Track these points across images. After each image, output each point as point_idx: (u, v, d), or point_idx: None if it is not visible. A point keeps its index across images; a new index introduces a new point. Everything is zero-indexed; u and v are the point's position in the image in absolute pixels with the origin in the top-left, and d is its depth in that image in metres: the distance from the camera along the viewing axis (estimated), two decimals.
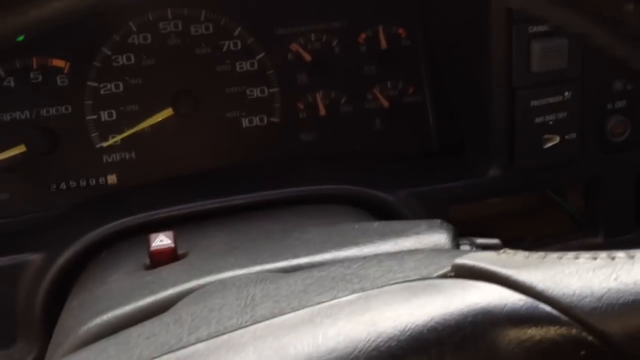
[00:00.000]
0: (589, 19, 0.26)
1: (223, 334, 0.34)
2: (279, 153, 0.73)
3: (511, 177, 0.66)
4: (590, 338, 0.30)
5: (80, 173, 0.69)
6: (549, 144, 0.65)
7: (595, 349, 0.30)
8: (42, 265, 0.57)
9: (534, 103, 0.63)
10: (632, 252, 0.33)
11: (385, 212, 0.63)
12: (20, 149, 0.66)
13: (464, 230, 0.54)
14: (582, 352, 0.30)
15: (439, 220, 0.50)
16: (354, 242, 0.47)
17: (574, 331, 0.30)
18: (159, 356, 0.33)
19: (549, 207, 0.75)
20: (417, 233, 0.48)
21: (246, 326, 0.34)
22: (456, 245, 0.49)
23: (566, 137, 0.65)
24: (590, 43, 0.29)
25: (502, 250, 0.36)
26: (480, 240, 0.51)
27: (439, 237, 0.47)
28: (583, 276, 0.31)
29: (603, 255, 0.33)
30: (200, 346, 0.33)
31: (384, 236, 0.47)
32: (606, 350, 0.30)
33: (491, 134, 0.66)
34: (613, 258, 0.32)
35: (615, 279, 0.31)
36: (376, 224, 0.52)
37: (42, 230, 0.63)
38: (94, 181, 0.69)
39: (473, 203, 0.69)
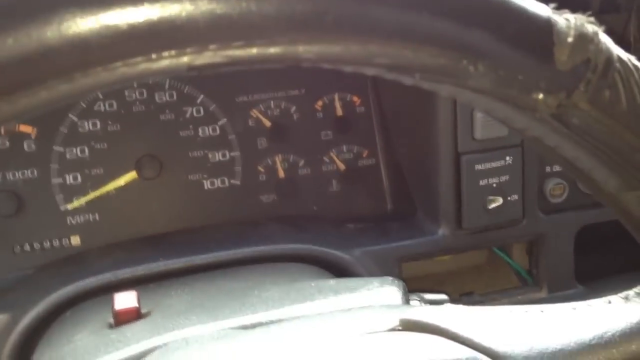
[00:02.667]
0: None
1: None
2: (240, 214, 0.75)
3: (459, 236, 0.70)
4: None
5: (45, 235, 0.70)
6: (493, 205, 0.69)
7: None
8: (7, 326, 0.58)
9: (478, 167, 0.68)
10: (559, 306, 0.37)
11: (341, 270, 0.66)
12: None
13: (416, 287, 0.57)
14: None
15: (390, 278, 0.53)
16: (310, 299, 0.50)
17: None
18: None
19: (496, 264, 0.79)
20: (370, 290, 0.51)
21: None
22: (406, 301, 0.52)
23: (509, 198, 0.69)
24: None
25: (444, 306, 0.39)
26: (428, 296, 0.54)
27: (390, 294, 0.51)
28: (516, 328, 0.35)
29: (534, 309, 0.37)
30: None
31: (338, 293, 0.50)
32: None
33: (439, 197, 0.70)
34: (542, 311, 0.36)
35: (544, 330, 0.34)
36: (331, 282, 0.54)
37: (6, 292, 0.64)
38: (57, 242, 0.71)
39: (424, 260, 0.72)
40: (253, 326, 0.46)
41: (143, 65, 0.23)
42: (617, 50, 0.26)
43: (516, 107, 0.26)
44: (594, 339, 0.33)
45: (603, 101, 0.26)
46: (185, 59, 0.23)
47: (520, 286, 0.77)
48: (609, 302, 0.34)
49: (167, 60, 0.23)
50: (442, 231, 0.70)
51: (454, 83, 0.26)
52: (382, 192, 0.79)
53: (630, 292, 0.34)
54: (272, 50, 0.24)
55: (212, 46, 0.23)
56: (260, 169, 0.76)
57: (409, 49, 0.25)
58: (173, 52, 0.23)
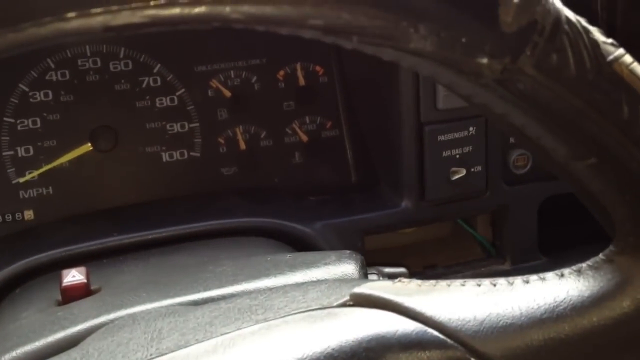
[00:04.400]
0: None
1: None
2: (200, 187, 0.74)
3: (422, 208, 0.69)
4: (472, 359, 0.33)
5: None
6: (456, 177, 0.68)
7: None
8: None
9: (441, 138, 0.67)
10: (512, 279, 0.36)
11: (302, 243, 0.65)
12: None
13: (379, 259, 0.56)
14: None
15: (348, 252, 0.52)
16: (265, 274, 0.48)
17: (458, 354, 0.33)
18: None
19: (460, 236, 0.78)
20: (327, 264, 0.50)
21: (151, 359, 0.35)
22: (364, 274, 0.51)
23: (472, 169, 0.68)
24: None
25: (397, 280, 0.38)
26: (387, 270, 0.53)
27: (347, 268, 0.49)
28: (467, 302, 0.34)
29: (486, 282, 0.36)
30: None
31: (294, 267, 0.49)
32: None
33: (402, 168, 0.69)
34: (494, 285, 0.35)
35: (495, 304, 0.34)
36: (288, 256, 0.53)
37: None
38: (10, 217, 0.68)
39: (387, 233, 0.71)
40: (204, 301, 0.45)
41: (53, 26, 0.22)
42: (566, 12, 0.25)
43: (460, 73, 0.25)
44: (545, 313, 0.32)
45: (550, 66, 0.24)
46: (99, 19, 0.22)
47: (484, 258, 0.76)
48: (562, 275, 0.33)
49: (79, 20, 0.21)
50: (405, 203, 0.69)
51: (394, 46, 0.24)
52: (346, 164, 0.77)
53: (583, 265, 0.33)
54: (197, 10, 0.22)
55: (129, 5, 0.22)
56: (221, 140, 0.74)
57: (345, 9, 0.23)
58: (85, 12, 0.21)
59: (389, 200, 0.70)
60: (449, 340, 0.33)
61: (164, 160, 0.73)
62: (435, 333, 0.33)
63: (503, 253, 0.75)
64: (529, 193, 0.73)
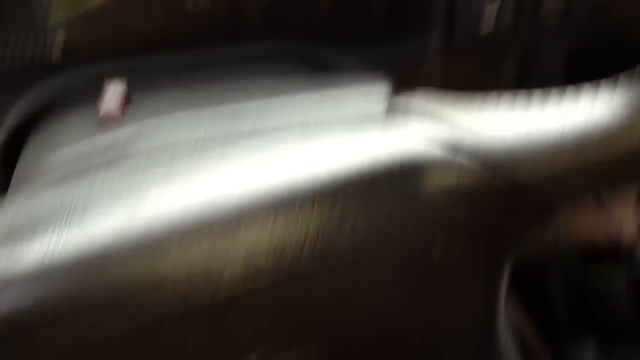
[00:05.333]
0: None
1: (177, 166, 0.37)
2: (229, 14, 0.73)
3: (452, 44, 0.70)
4: (501, 179, 0.35)
5: (27, 51, 0.68)
6: (488, 15, 0.68)
7: (505, 188, 0.35)
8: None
9: None
10: (545, 99, 0.37)
11: (332, 72, 0.66)
12: None
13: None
14: (494, 191, 0.35)
15: (380, 75, 0.53)
16: (300, 89, 0.49)
17: (488, 174, 0.35)
18: (118, 187, 0.36)
19: (487, 76, 0.78)
20: (360, 84, 0.51)
21: (198, 159, 0.37)
22: (394, 93, 0.52)
23: (503, 8, 0.68)
24: None
25: (432, 93, 0.40)
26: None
27: (379, 88, 0.51)
28: (500, 123, 0.36)
29: (520, 102, 0.37)
30: (156, 177, 0.36)
31: (329, 85, 0.50)
32: (514, 188, 0.35)
33: (432, 5, 0.68)
34: (528, 105, 0.37)
35: (527, 126, 0.35)
36: (323, 77, 0.54)
37: None
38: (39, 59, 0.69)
39: (413, 69, 0.72)
40: (242, 110, 0.46)
41: None
42: None
43: None
44: (573, 137, 0.34)
45: None
46: None
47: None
48: (595, 98, 0.34)
49: None
50: (435, 39, 0.69)
51: None
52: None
53: (614, 92, 0.34)
54: None
55: None
56: None
57: None
58: None
59: (418, 35, 0.70)
60: (479, 161, 0.35)
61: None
62: (466, 156, 0.35)
63: (530, 94, 0.75)
64: (559, 34, 0.72)
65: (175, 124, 0.44)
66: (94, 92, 0.53)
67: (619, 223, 1.01)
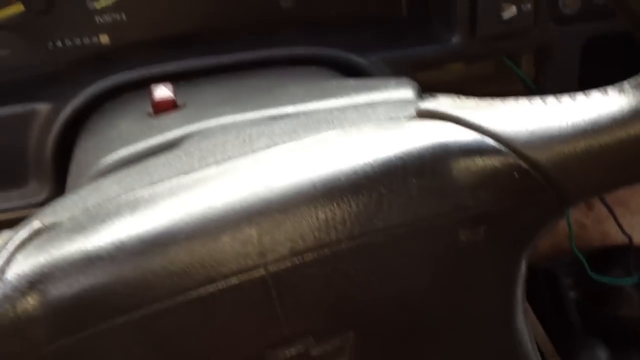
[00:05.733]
0: None
1: (229, 160, 0.41)
2: (260, 18, 0.78)
3: (472, 43, 0.73)
4: (523, 164, 0.38)
5: (75, 32, 0.73)
6: (507, 14, 0.72)
7: (527, 172, 0.38)
8: (51, 114, 0.64)
9: None
10: (561, 97, 0.41)
11: (358, 75, 0.70)
12: (18, 8, 0.70)
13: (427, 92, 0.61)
14: (516, 175, 0.39)
15: (406, 78, 0.57)
16: (333, 95, 0.54)
17: (510, 159, 0.38)
18: (177, 177, 0.40)
19: (503, 75, 0.82)
20: (388, 88, 0.55)
21: (247, 155, 0.42)
22: (420, 98, 0.56)
23: (522, 7, 0.71)
24: None
25: (457, 98, 0.44)
26: (441, 96, 0.58)
27: (406, 91, 0.55)
28: (521, 116, 0.39)
29: (537, 99, 0.41)
30: (211, 170, 0.41)
31: (358, 90, 0.54)
32: (534, 173, 0.38)
33: (455, 4, 0.72)
34: (545, 102, 0.40)
35: (545, 117, 0.39)
36: (351, 82, 0.58)
37: (45, 84, 0.69)
38: (88, 40, 0.74)
39: (436, 68, 0.76)
40: (281, 117, 0.51)
41: None
42: None
43: None
44: (588, 124, 0.37)
45: None
46: None
47: (527, 95, 0.80)
48: (605, 93, 0.38)
49: None
50: (456, 38, 0.73)
51: None
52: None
53: (625, 84, 0.38)
54: None
55: None
56: None
57: None
58: None
59: (440, 35, 0.74)
60: (503, 148, 0.38)
61: None
62: (492, 142, 0.39)
63: (544, 90, 0.79)
64: (574, 32, 0.76)
65: (223, 128, 0.48)
66: (142, 94, 0.58)
67: (630, 229, 1.04)
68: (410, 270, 0.39)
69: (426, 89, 0.71)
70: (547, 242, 1.11)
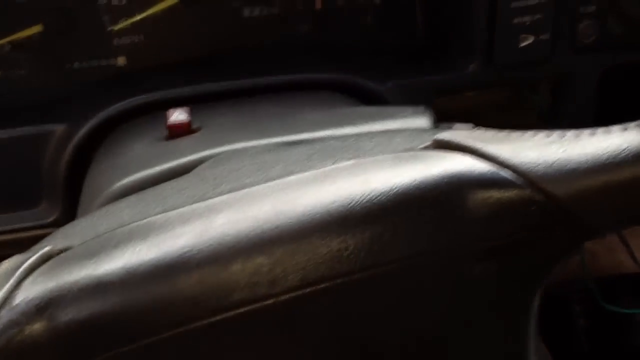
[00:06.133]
0: None
1: (243, 188, 0.41)
2: (276, 42, 0.78)
3: (489, 72, 0.73)
4: (540, 197, 0.38)
5: (93, 54, 0.74)
6: (525, 43, 0.71)
7: (544, 206, 0.38)
8: (65, 135, 0.64)
9: (514, 5, 0.69)
10: (579, 132, 0.40)
11: (374, 101, 0.70)
12: (37, 29, 0.71)
13: (442, 119, 0.61)
14: (532, 209, 0.38)
15: (422, 107, 0.57)
16: (349, 123, 0.54)
17: (527, 192, 0.38)
18: (191, 204, 0.40)
19: (518, 103, 0.82)
20: (404, 116, 0.55)
21: (262, 183, 0.41)
22: (436, 127, 0.56)
23: (540, 37, 0.71)
24: None
25: (475, 128, 0.43)
26: (457, 125, 0.58)
27: (422, 120, 0.55)
28: (538, 149, 0.39)
29: (555, 133, 0.40)
30: (224, 197, 0.40)
31: (375, 117, 0.54)
32: (552, 207, 0.38)
33: (473, 32, 0.72)
34: (563, 136, 0.40)
35: (564, 151, 0.39)
36: (368, 109, 0.58)
37: (61, 105, 0.69)
38: (105, 62, 0.74)
39: (454, 96, 0.76)
40: (297, 143, 0.51)
41: None
42: None
43: None
44: (608, 159, 0.37)
45: None
46: None
47: (541, 125, 0.80)
48: (625, 129, 0.38)
49: None
50: (474, 67, 0.73)
51: None
52: (415, 26, 0.80)
53: None
54: None
55: None
56: None
57: None
58: None
59: (457, 63, 0.74)
60: (519, 180, 0.38)
61: (245, 15, 0.77)
62: (508, 174, 0.38)
63: (560, 121, 0.79)
64: (592, 62, 0.75)
65: (238, 153, 0.48)
66: (157, 117, 0.58)
67: None
68: (422, 303, 0.38)
69: (441, 116, 0.72)
70: (557, 269, 1.09)
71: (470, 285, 0.38)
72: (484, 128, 0.43)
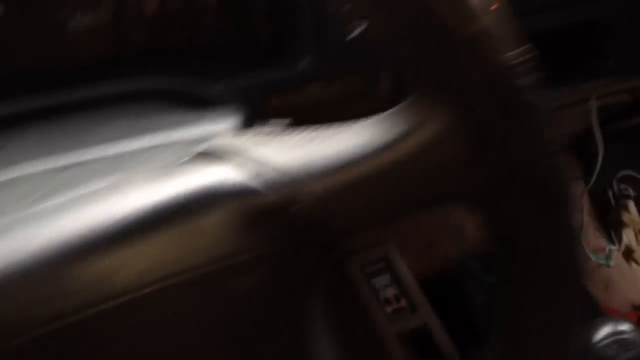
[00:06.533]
0: None
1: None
2: (108, 53, 0.75)
3: (323, 65, 0.72)
4: (285, 204, 0.36)
5: None
6: (357, 31, 0.70)
7: (293, 214, 0.36)
8: None
9: None
10: (328, 127, 0.39)
11: (203, 106, 0.68)
12: None
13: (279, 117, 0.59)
14: (285, 218, 0.36)
15: (233, 108, 0.55)
16: (132, 137, 0.51)
17: (274, 199, 0.36)
18: None
19: (366, 94, 0.81)
20: (210, 120, 0.53)
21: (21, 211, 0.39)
22: (250, 126, 0.54)
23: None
24: None
25: (287, 125, 0.42)
26: (270, 122, 0.56)
27: (223, 124, 0.53)
28: (287, 154, 0.38)
29: (312, 131, 0.39)
30: None
31: (160, 129, 0.51)
32: (299, 211, 0.36)
33: (302, 27, 0.70)
34: (316, 133, 0.39)
35: (314, 151, 0.37)
36: (168, 118, 0.56)
37: None
38: None
39: (289, 94, 0.74)
40: (70, 167, 0.48)
41: None
42: None
43: None
44: (349, 156, 0.36)
45: None
46: None
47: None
48: (367, 123, 0.37)
49: None
50: (306, 62, 0.71)
51: None
52: (253, 26, 0.78)
53: (385, 114, 0.37)
54: None
55: None
56: (129, 4, 0.74)
57: None
58: None
59: (289, 60, 0.72)
60: (265, 189, 0.36)
61: (71, 26, 0.73)
62: (258, 181, 0.37)
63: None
64: None
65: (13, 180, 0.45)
66: None
67: None
68: (191, 325, 0.36)
69: (279, 114, 0.70)
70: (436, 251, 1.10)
71: (241, 299, 0.37)
72: (254, 132, 0.41)
